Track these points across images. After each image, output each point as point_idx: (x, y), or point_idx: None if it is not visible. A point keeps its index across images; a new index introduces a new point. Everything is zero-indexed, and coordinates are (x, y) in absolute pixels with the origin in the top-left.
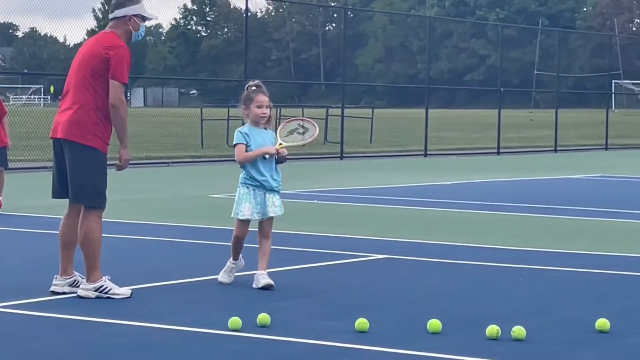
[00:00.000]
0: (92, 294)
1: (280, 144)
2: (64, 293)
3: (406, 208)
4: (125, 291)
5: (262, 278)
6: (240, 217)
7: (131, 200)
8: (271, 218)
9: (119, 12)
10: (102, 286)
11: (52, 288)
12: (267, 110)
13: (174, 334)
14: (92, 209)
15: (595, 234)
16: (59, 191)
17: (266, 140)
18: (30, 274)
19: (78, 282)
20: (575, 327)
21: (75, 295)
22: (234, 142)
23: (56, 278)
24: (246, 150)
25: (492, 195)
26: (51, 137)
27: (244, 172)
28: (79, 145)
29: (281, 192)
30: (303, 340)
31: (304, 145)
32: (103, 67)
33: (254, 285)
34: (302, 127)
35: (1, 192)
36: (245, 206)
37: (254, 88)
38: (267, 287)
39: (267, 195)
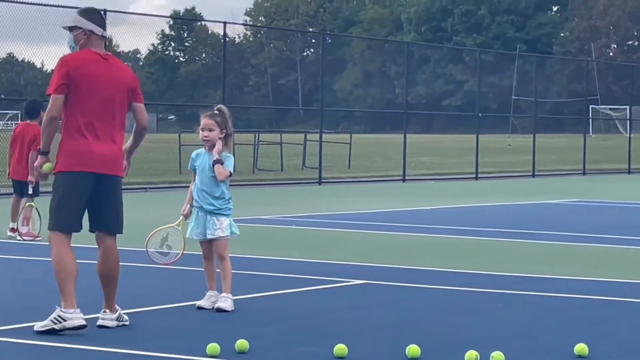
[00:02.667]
0: (115, 323)
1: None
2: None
3: (385, 233)
4: (127, 318)
5: (220, 300)
6: (186, 236)
7: None
8: (220, 239)
9: (99, 31)
10: (119, 315)
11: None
12: (207, 133)
13: None
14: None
15: (573, 259)
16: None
17: (204, 163)
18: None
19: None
20: (554, 352)
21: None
22: (188, 168)
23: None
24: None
25: (470, 220)
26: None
27: None
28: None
29: (231, 214)
30: None
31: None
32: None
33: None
34: (167, 245)
35: (27, 222)
36: (189, 226)
37: (203, 112)
38: (220, 310)
39: (209, 217)
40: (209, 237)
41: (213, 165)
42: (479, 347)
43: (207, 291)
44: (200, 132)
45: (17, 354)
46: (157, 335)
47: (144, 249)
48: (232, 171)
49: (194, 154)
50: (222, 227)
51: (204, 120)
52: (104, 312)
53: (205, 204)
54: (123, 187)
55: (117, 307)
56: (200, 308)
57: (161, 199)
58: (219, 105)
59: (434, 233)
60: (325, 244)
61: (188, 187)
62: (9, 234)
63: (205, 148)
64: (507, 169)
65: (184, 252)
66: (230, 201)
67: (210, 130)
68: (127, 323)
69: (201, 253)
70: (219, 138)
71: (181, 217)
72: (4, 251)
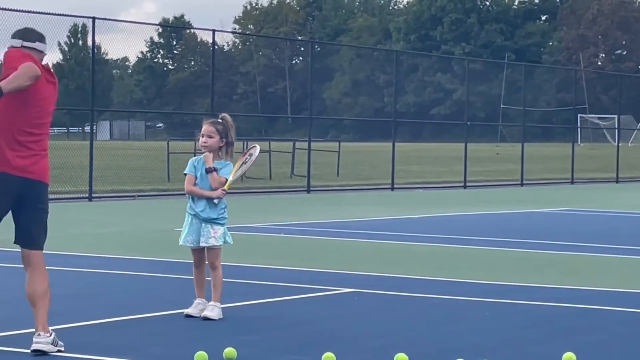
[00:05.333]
0: (51, 348)
1: (227, 182)
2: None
3: (373, 242)
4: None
5: (207, 310)
6: (179, 243)
7: (96, 234)
8: (213, 248)
9: (40, 46)
10: (54, 338)
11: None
12: (207, 140)
13: None
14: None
15: (561, 268)
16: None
17: (204, 172)
18: None
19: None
20: None
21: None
22: (185, 172)
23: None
24: (195, 180)
25: (458, 229)
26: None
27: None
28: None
29: (225, 223)
30: None
31: (247, 167)
32: None
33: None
34: (249, 156)
35: None
36: (183, 233)
37: (206, 119)
38: (206, 319)
39: (203, 224)
40: (202, 245)
41: (207, 173)
42: (467, 355)
43: (194, 299)
44: (200, 138)
45: None
46: (145, 343)
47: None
48: (229, 178)
49: (194, 161)
50: (215, 235)
51: (204, 127)
52: (39, 334)
53: (200, 212)
54: (111, 194)
55: (50, 329)
56: (188, 316)
57: (150, 207)
58: (222, 114)
59: (423, 242)
60: (313, 252)
61: (176, 195)
62: None
63: (204, 155)
64: (496, 177)
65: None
66: (226, 210)
67: (210, 137)
68: (62, 348)
69: (191, 261)
70: (219, 147)
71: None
72: None
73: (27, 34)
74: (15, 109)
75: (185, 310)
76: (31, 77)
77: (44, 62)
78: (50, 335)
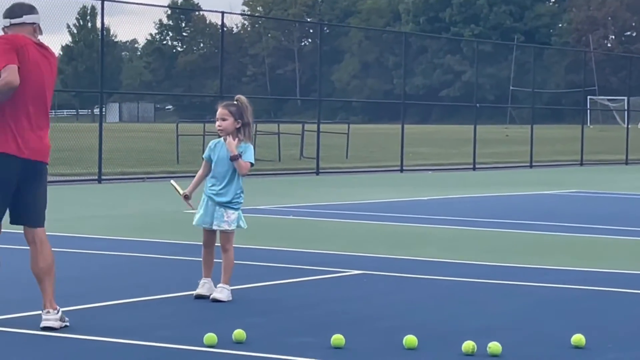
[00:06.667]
0: (60, 324)
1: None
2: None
3: (382, 224)
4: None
5: (215, 291)
6: (194, 223)
7: (106, 216)
8: (227, 232)
9: (28, 19)
10: (61, 314)
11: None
12: (220, 123)
13: (149, 350)
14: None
15: (570, 250)
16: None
17: (223, 154)
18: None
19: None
20: (551, 343)
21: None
22: (203, 155)
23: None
24: (211, 164)
25: (467, 210)
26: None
27: None
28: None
29: (240, 208)
30: (279, 356)
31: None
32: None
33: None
34: None
35: None
36: (198, 213)
37: (221, 102)
38: (215, 301)
39: (217, 207)
40: (214, 227)
41: (232, 161)
42: (476, 337)
43: (200, 279)
44: (216, 121)
45: (15, 344)
46: (154, 325)
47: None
48: (252, 162)
49: (212, 144)
50: (229, 220)
51: (218, 110)
52: (47, 312)
53: (215, 196)
54: (121, 176)
55: (57, 305)
56: (199, 297)
57: (159, 189)
58: (237, 96)
59: (432, 223)
60: (322, 234)
61: (185, 176)
62: None
63: (224, 137)
64: (505, 159)
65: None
66: (242, 195)
67: (224, 119)
68: (68, 324)
69: (201, 243)
70: (235, 128)
71: (182, 194)
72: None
73: (14, 10)
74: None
75: (195, 292)
76: (10, 89)
77: (38, 35)
78: (58, 311)
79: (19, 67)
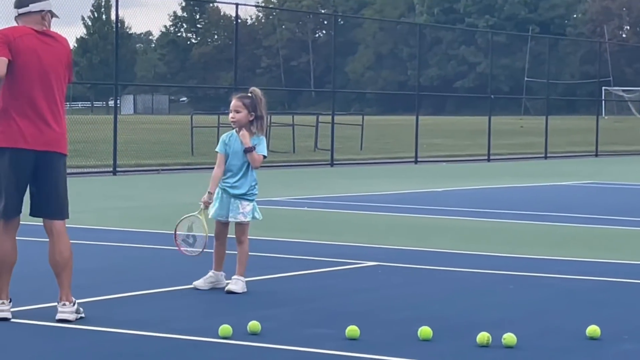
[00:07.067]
0: (75, 316)
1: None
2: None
3: (396, 215)
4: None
5: (230, 283)
6: (209, 217)
7: (121, 208)
8: (242, 224)
9: (34, 7)
10: (77, 307)
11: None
12: (234, 115)
13: (164, 342)
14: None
15: (585, 241)
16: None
17: (237, 147)
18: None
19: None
20: (566, 334)
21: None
22: (216, 149)
23: (3, 303)
24: (226, 157)
25: (482, 202)
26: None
27: None
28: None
29: (255, 199)
30: (294, 347)
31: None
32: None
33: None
34: (192, 236)
35: None
36: (213, 207)
37: (235, 94)
38: (230, 292)
39: (233, 200)
40: (230, 219)
41: (245, 154)
42: (491, 329)
43: (210, 271)
44: (229, 113)
45: (30, 335)
46: (169, 317)
47: (173, 235)
48: (266, 154)
49: (225, 137)
50: (244, 211)
51: (232, 102)
52: (63, 304)
53: (230, 188)
54: (135, 168)
55: (73, 298)
56: (196, 288)
57: (174, 181)
58: (252, 88)
59: (446, 215)
60: (337, 226)
61: (200, 168)
62: None
63: (236, 130)
64: (520, 150)
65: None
66: (256, 187)
67: (237, 112)
68: (83, 315)
69: (212, 235)
70: (249, 121)
71: (201, 205)
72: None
73: (21, 0)
74: (8, 85)
75: (194, 282)
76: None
77: (49, 22)
78: (73, 304)
79: (12, 60)
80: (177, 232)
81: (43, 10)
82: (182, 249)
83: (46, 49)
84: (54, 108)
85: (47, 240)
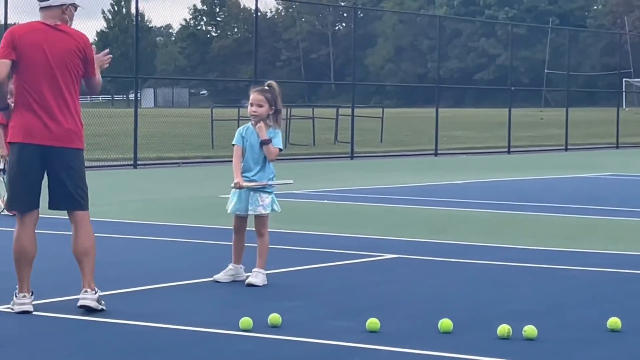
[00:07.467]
0: (97, 305)
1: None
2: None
3: (416, 207)
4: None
5: (251, 276)
6: (228, 211)
7: (141, 201)
8: (261, 216)
9: (55, 1)
10: (99, 296)
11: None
12: (256, 109)
13: (185, 335)
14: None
15: (606, 233)
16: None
17: (253, 140)
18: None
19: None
20: (587, 326)
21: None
22: (232, 142)
23: (25, 296)
24: (243, 150)
25: (502, 194)
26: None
27: None
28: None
29: (273, 191)
30: (314, 340)
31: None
32: (83, 66)
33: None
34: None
35: None
36: (232, 201)
37: (254, 87)
38: (250, 285)
39: (252, 193)
40: (250, 213)
41: (261, 146)
42: (511, 321)
43: (230, 265)
44: (249, 107)
45: (51, 327)
46: (189, 309)
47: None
48: (282, 147)
49: (242, 130)
50: (263, 204)
51: (253, 95)
52: (85, 291)
53: (248, 181)
54: (156, 161)
55: (96, 288)
56: (216, 282)
57: (194, 174)
58: (269, 82)
59: (466, 207)
60: (357, 219)
61: (220, 161)
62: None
63: (252, 123)
64: (540, 142)
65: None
66: (274, 179)
67: (260, 106)
68: (104, 307)
69: (231, 227)
70: (267, 114)
71: (235, 183)
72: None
73: None
74: (18, 81)
75: (215, 276)
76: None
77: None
78: (96, 292)
79: (18, 57)
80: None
81: (64, 4)
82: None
83: (54, 44)
84: (62, 103)
85: (66, 233)
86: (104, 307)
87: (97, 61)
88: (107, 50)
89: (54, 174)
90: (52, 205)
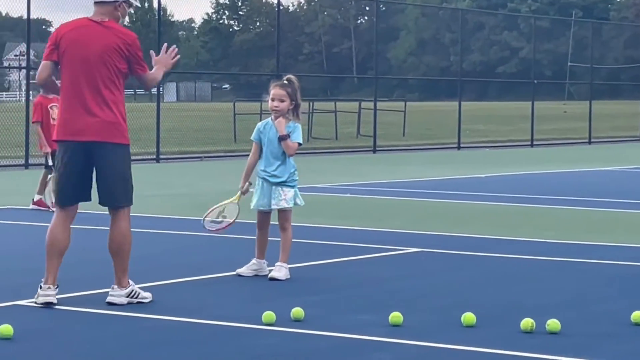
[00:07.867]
0: (125, 300)
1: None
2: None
3: (439, 201)
4: (148, 295)
5: (274, 270)
6: (251, 207)
7: (164, 195)
8: (284, 210)
9: None
10: (133, 291)
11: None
12: (278, 104)
13: (207, 329)
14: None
15: (629, 226)
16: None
17: (272, 135)
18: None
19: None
20: (611, 320)
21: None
22: (251, 137)
23: (50, 287)
24: (261, 145)
25: (526, 187)
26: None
27: None
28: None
29: (296, 185)
30: (337, 334)
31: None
32: (125, 62)
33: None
34: (222, 216)
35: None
36: (255, 197)
37: (274, 82)
38: (273, 279)
39: (274, 187)
40: (273, 207)
41: (280, 141)
42: (535, 314)
43: (254, 259)
44: (270, 101)
45: (74, 320)
46: (213, 303)
47: (201, 221)
48: (301, 142)
49: (260, 125)
50: (286, 198)
51: (274, 90)
52: (113, 288)
53: (269, 177)
54: (178, 155)
55: (130, 282)
56: (239, 275)
57: (217, 168)
58: (288, 76)
59: (489, 201)
60: (379, 212)
61: (243, 155)
62: (32, 206)
63: (271, 118)
64: (563, 136)
65: (237, 221)
66: (296, 172)
67: (282, 101)
68: (144, 300)
69: (255, 222)
70: (288, 109)
71: (239, 193)
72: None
73: None
74: (62, 80)
75: (238, 270)
76: (39, 85)
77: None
78: (125, 288)
79: (60, 57)
80: (204, 222)
81: (117, 1)
82: (209, 228)
83: (95, 40)
84: (99, 98)
85: (100, 228)
86: (142, 300)
87: (162, 61)
88: (174, 46)
89: (97, 169)
90: (99, 201)
